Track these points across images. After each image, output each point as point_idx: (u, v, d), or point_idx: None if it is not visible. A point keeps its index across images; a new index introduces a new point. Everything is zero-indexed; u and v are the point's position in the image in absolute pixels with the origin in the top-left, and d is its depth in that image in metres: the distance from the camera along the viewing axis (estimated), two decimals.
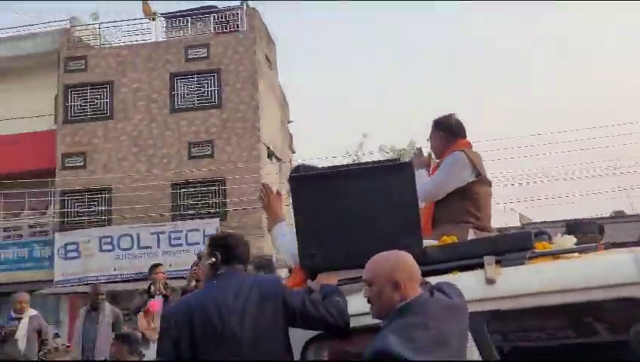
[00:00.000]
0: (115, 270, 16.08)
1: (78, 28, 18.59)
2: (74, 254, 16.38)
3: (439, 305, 2.06)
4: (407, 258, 2.16)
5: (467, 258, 2.52)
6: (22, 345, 6.52)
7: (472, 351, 2.26)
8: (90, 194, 16.89)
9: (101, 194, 16.87)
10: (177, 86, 17.14)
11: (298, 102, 52.73)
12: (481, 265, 2.44)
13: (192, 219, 16.04)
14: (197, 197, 16.34)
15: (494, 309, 2.31)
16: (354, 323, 2.40)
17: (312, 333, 2.48)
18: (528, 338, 2.48)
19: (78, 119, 17.41)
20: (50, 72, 18.58)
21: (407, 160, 3.16)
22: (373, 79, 55.51)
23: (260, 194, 3.12)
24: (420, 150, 3.73)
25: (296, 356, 2.47)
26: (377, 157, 28.23)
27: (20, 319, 6.71)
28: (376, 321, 2.16)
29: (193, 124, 16.78)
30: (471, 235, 3.16)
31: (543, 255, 2.56)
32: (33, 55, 18.44)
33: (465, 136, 3.49)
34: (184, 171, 16.27)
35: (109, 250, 16.23)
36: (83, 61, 17.61)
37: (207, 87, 17.04)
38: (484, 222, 3.34)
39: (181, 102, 17.08)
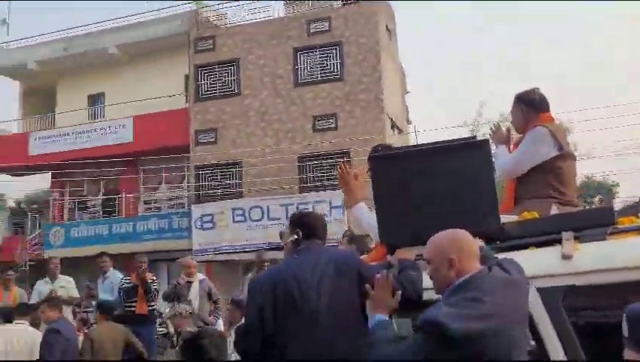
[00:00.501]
0: (246, 240, 16.83)
1: (205, 9, 19.37)
2: (209, 225, 17.34)
3: (496, 280, 2.09)
4: (463, 236, 2.21)
5: (545, 234, 2.51)
6: (195, 304, 7.05)
7: (546, 326, 2.27)
8: (221, 169, 17.75)
9: (232, 168, 17.67)
10: (300, 60, 17.46)
11: (415, 72, 51.72)
12: (559, 241, 2.43)
13: (319, 190, 16.41)
14: (322, 169, 16.68)
15: (570, 285, 2.31)
16: (428, 296, 2.41)
17: None
18: (604, 315, 2.49)
19: (209, 97, 18.24)
20: (180, 53, 19.58)
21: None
22: (493, 43, 53.57)
23: (339, 174, 3.24)
24: (498, 125, 3.70)
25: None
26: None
27: (191, 282, 7.25)
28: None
29: (317, 98, 17.05)
30: (554, 210, 3.11)
31: (626, 231, 2.49)
32: (163, 38, 19.50)
33: (548, 110, 3.43)
34: (310, 144, 16.63)
35: (241, 221, 17.00)
36: (211, 41, 18.37)
37: (330, 61, 17.21)
38: (568, 196, 3.29)
39: (304, 76, 17.40)
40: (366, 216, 3.11)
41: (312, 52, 17.38)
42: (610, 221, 2.52)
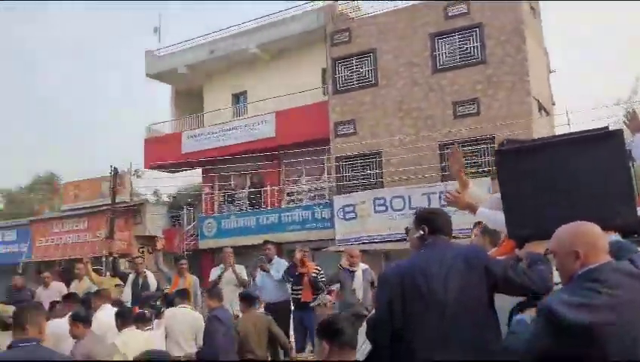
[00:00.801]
0: (389, 230, 16.87)
1: (339, 2, 19.60)
2: (351, 215, 17.60)
3: (620, 273, 2.07)
4: (588, 228, 2.19)
5: None
6: (359, 294, 7.20)
7: None
8: (361, 159, 17.92)
9: (372, 158, 17.78)
10: (438, 46, 17.10)
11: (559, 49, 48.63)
12: None
13: None
14: (465, 156, 16.17)
15: None
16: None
17: (518, 299, 2.53)
18: None
19: (347, 89, 18.47)
20: (317, 48, 20.03)
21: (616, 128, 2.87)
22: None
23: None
24: (634, 112, 3.57)
25: (504, 321, 2.55)
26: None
27: (353, 272, 7.40)
28: None
29: (456, 83, 16.61)
30: None
31: None
32: (301, 34, 20.03)
33: None
34: (451, 131, 16.26)
35: (383, 211, 17.07)
36: (347, 33, 18.55)
37: (470, 44, 16.67)
38: None
39: (443, 61, 17.02)
40: (491, 217, 3.15)
41: (451, 36, 16.94)
42: None
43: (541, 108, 16.90)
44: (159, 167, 23.16)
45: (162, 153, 22.31)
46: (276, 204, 20.78)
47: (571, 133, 2.83)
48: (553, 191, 2.59)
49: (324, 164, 19.84)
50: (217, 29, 22.78)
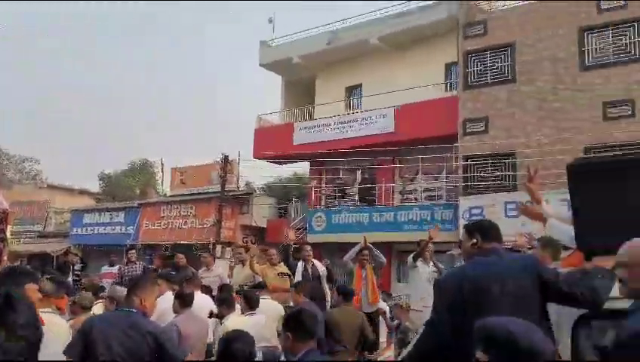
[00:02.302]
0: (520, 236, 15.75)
1: None
2: (478, 218, 16.60)
3: None
4: None
5: None
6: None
7: None
8: (493, 160, 16.85)
9: (504, 159, 16.68)
10: (588, 41, 15.78)
11: None
12: None
13: None
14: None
15: None
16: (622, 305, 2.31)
17: (581, 311, 2.62)
18: None
19: (479, 84, 17.45)
20: (440, 42, 19.14)
21: None
22: None
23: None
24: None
25: (568, 333, 2.64)
26: None
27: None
28: None
29: (608, 82, 15.25)
30: None
31: None
32: (426, 26, 19.17)
33: None
34: (600, 135, 14.94)
35: (515, 216, 15.94)
36: (482, 26, 17.53)
37: (625, 40, 15.27)
38: None
39: (593, 58, 15.69)
40: (560, 228, 3.28)
41: (604, 31, 15.57)
42: None
43: None
44: (268, 158, 22.91)
45: (273, 143, 22.04)
46: (389, 203, 20.05)
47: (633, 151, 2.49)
48: (622, 207, 2.69)
49: (444, 162, 18.92)
50: (338, 19, 22.29)
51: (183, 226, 24.02)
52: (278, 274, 8.26)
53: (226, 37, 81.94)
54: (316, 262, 8.54)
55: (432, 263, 8.08)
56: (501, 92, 16.93)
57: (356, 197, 21.29)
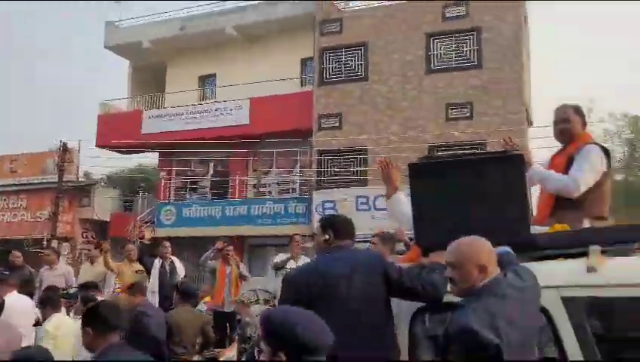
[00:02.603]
0: (370, 229, 16.34)
1: None
2: (331, 212, 16.96)
3: (513, 286, 2.22)
4: (488, 243, 2.34)
5: (574, 246, 2.63)
6: None
7: (569, 335, 2.39)
8: (346, 155, 17.32)
9: (356, 155, 17.22)
10: (433, 46, 16.81)
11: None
12: (586, 254, 2.52)
13: None
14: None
15: (593, 296, 2.43)
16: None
17: (419, 304, 2.75)
18: (627, 328, 2.54)
19: (334, 81, 17.81)
20: (297, 37, 19.24)
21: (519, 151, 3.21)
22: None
23: (379, 166, 3.57)
24: (510, 140, 3.74)
25: (406, 324, 2.76)
26: (606, 124, 25.98)
27: None
28: None
29: (450, 86, 16.39)
30: (585, 224, 3.25)
31: None
32: (284, 20, 19.18)
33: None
34: (443, 134, 16.01)
35: (366, 210, 16.55)
36: (338, 24, 17.92)
37: (466, 47, 16.51)
38: (600, 211, 3.42)
39: (437, 63, 16.75)
40: (402, 206, 3.32)
41: (447, 37, 16.70)
42: (638, 237, 2.64)
43: (528, 119, 17.02)
44: (113, 147, 21.46)
45: (119, 131, 20.64)
46: (241, 196, 19.80)
47: (478, 153, 2.94)
48: (458, 205, 2.79)
49: (298, 156, 19.10)
50: (192, 6, 21.47)
51: (12, 220, 21.69)
52: (136, 271, 7.66)
53: (67, 14, 75.28)
54: (175, 260, 8.05)
55: (300, 259, 7.96)
56: (355, 89, 17.44)
57: (208, 191, 20.73)
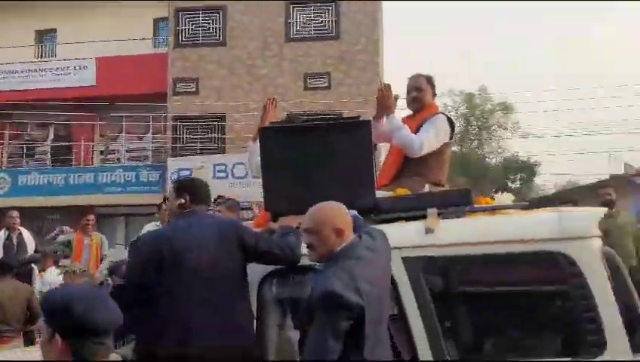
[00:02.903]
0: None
1: None
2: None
3: (368, 247, 2.30)
4: (343, 207, 2.40)
5: (414, 209, 2.81)
6: None
7: (408, 293, 2.56)
8: (203, 121, 16.79)
9: (214, 121, 16.77)
10: (293, 14, 16.77)
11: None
12: (425, 217, 2.72)
13: None
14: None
15: (430, 256, 2.62)
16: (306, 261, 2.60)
17: (268, 269, 2.76)
18: (460, 283, 2.77)
19: (190, 44, 17.09)
20: None
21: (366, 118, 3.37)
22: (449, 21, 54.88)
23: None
24: (389, 86, 3.81)
25: (254, 290, 2.77)
26: (447, 100, 28.09)
27: None
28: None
29: (309, 55, 16.51)
30: (426, 189, 3.41)
31: (482, 210, 2.86)
32: None
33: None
34: (302, 103, 16.12)
35: (223, 178, 16.25)
36: None
37: (325, 18, 16.68)
38: (440, 178, 3.64)
39: (296, 31, 16.75)
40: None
41: (306, 6, 16.73)
42: (468, 201, 2.84)
43: None
44: None
45: None
46: (88, 163, 18.45)
47: (328, 120, 3.24)
48: (307, 170, 2.83)
49: (150, 122, 18.16)
50: None
51: None
52: None
53: None
54: (23, 231, 7.21)
55: None
56: (212, 53, 16.89)
57: (48, 157, 19.01)
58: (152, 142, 18.45)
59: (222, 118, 16.64)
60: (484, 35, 58.92)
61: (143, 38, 17.96)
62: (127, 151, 18.83)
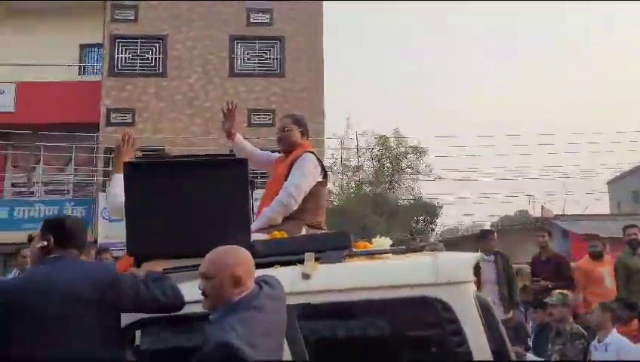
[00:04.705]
0: None
1: None
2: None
3: (267, 297, 2.21)
4: (247, 254, 2.26)
5: (290, 253, 2.72)
6: None
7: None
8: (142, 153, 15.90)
9: (153, 154, 15.93)
10: (237, 50, 16.58)
11: None
12: (302, 261, 2.63)
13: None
14: None
15: (306, 303, 2.51)
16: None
17: (133, 318, 2.48)
18: (337, 330, 2.64)
19: (126, 73, 16.27)
20: (75, 18, 17.07)
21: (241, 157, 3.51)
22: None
23: (118, 142, 3.35)
24: (234, 104, 4.08)
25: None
26: (360, 141, 28.91)
27: None
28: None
29: (253, 91, 16.33)
30: (303, 232, 3.37)
31: (359, 254, 2.85)
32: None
33: (309, 138, 3.90)
34: (246, 138, 15.82)
35: None
36: (133, 11, 16.45)
37: (270, 55, 16.66)
38: (318, 219, 3.61)
39: (241, 66, 16.55)
40: (117, 189, 3.03)
41: (252, 43, 16.63)
42: (347, 245, 2.79)
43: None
44: None
45: None
46: None
47: (200, 156, 3.04)
48: (176, 211, 2.59)
49: (72, 153, 16.90)
50: None
51: None
52: None
53: None
54: None
55: None
56: (150, 85, 16.19)
57: None
58: (74, 175, 17.15)
59: (160, 150, 15.86)
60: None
61: (71, 65, 16.82)
62: (43, 184, 17.32)
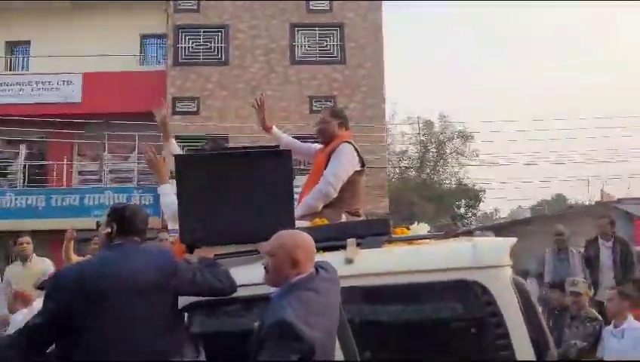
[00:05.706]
0: None
1: None
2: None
3: (323, 280, 2.33)
4: (308, 239, 2.38)
5: (333, 240, 2.84)
6: None
7: None
8: (204, 142, 16.23)
9: None
10: (298, 37, 16.73)
11: None
12: (344, 247, 2.76)
13: None
14: None
15: (350, 286, 2.58)
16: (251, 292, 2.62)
17: (189, 301, 2.63)
18: (380, 313, 2.75)
19: (190, 62, 16.57)
20: (136, 10, 17.40)
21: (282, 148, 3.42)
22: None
23: (146, 157, 3.42)
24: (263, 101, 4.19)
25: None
26: (406, 127, 28.91)
27: None
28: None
29: (314, 78, 16.49)
30: (343, 219, 3.54)
31: (399, 240, 2.97)
32: None
33: (349, 128, 3.99)
34: (308, 124, 16.02)
35: None
36: (195, 1, 16.71)
37: (330, 42, 16.77)
38: (356, 206, 3.74)
39: (301, 54, 16.71)
40: (167, 198, 3.23)
41: (311, 30, 16.76)
42: (386, 231, 2.94)
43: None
44: None
45: None
46: (63, 183, 17.23)
47: (247, 148, 3.12)
48: (225, 200, 2.75)
49: (135, 141, 17.28)
50: None
51: None
52: None
53: None
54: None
55: None
56: (214, 73, 16.46)
57: (20, 176, 17.58)
58: (138, 163, 17.56)
59: (225, 140, 16.15)
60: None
61: (134, 55, 17.19)
62: (109, 172, 17.79)
